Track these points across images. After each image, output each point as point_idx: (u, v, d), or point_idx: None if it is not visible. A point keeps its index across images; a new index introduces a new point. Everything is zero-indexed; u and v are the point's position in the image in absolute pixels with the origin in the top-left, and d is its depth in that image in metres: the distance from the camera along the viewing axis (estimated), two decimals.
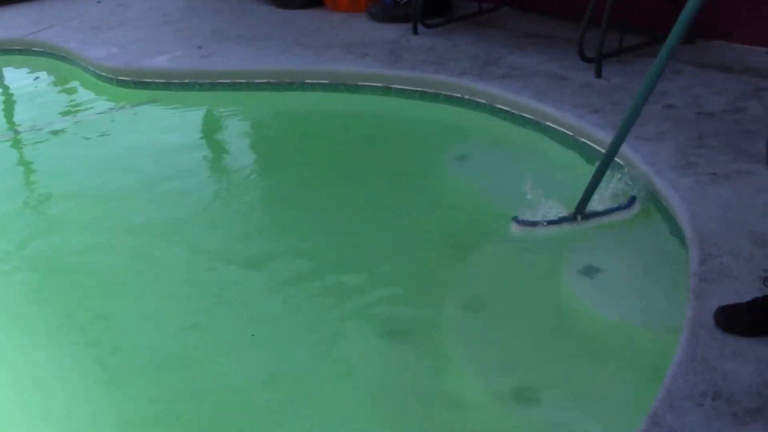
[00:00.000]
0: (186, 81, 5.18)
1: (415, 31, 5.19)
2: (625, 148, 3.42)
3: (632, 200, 3.23)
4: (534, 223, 3.24)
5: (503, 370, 2.64)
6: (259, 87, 4.98)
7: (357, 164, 4.09)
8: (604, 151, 3.53)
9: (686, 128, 3.57)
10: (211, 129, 4.98)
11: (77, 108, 5.37)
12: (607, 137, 3.54)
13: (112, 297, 3.21)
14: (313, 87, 4.84)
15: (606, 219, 3.21)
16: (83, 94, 5.55)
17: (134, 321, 3.06)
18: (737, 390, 2.16)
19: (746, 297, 2.46)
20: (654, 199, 3.23)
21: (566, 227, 3.21)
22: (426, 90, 4.49)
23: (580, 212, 3.22)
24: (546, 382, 2.56)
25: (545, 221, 3.23)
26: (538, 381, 2.57)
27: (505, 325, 2.85)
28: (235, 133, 4.85)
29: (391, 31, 5.34)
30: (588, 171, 3.56)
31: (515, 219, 3.26)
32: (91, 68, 5.63)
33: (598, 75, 4.20)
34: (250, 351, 2.87)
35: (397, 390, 2.62)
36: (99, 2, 7.16)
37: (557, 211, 3.28)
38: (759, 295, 2.39)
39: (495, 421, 2.47)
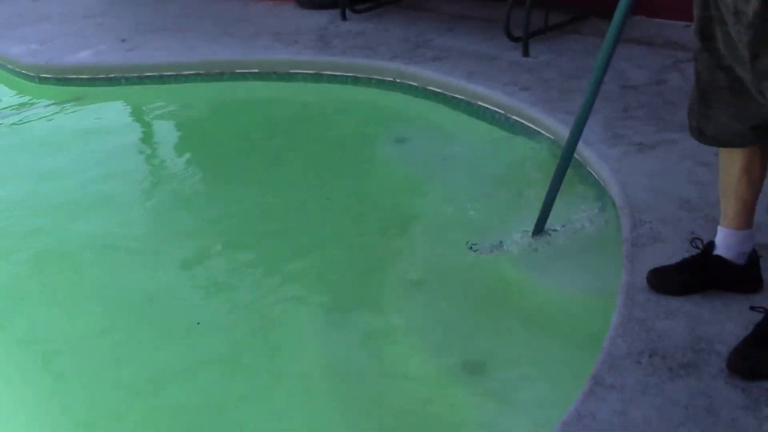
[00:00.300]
0: (112, 76, 5.12)
1: (344, 17, 5.26)
2: (554, 123, 3.58)
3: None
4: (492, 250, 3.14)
5: (448, 341, 2.72)
6: (188, 79, 4.96)
7: (292, 151, 4.12)
8: (535, 127, 3.69)
9: (612, 101, 3.72)
10: (139, 124, 4.93)
11: None
12: (537, 114, 3.70)
13: (44, 294, 3.21)
14: (244, 77, 4.85)
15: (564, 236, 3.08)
16: (2, 93, 5.44)
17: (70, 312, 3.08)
18: (671, 347, 2.29)
19: (676, 259, 2.61)
20: (584, 170, 3.37)
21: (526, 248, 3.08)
22: (358, 75, 4.55)
23: (539, 232, 3.06)
24: (492, 352, 2.66)
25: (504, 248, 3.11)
26: (485, 351, 2.66)
27: (447, 299, 2.93)
28: (166, 127, 4.82)
29: (319, 18, 5.39)
30: (517, 145, 3.70)
31: (471, 248, 3.12)
32: (9, 66, 5.52)
33: (526, 53, 4.34)
34: (197, 338, 2.90)
35: (346, 367, 2.69)
36: None
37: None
38: (687, 256, 2.55)
39: (444, 390, 2.55)
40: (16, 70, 5.45)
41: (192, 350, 2.84)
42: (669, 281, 2.50)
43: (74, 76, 5.21)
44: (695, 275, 2.47)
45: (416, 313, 2.90)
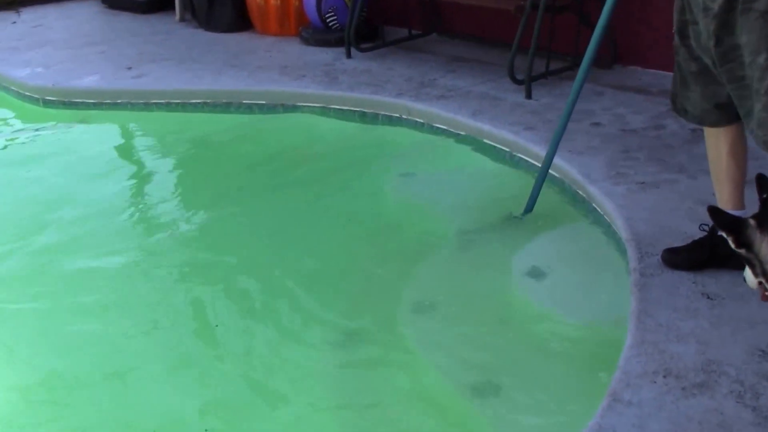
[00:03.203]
0: (118, 101, 5.21)
1: (349, 55, 5.43)
2: (561, 162, 3.76)
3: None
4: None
5: (463, 367, 2.80)
6: (194, 107, 5.07)
7: (300, 183, 4.19)
8: (539, 164, 3.87)
9: (613, 143, 3.92)
10: (146, 149, 4.96)
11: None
12: (542, 151, 3.85)
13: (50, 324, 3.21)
14: (250, 108, 4.97)
15: None
16: (5, 116, 5.44)
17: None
18: (683, 367, 2.44)
19: (683, 289, 2.80)
20: (590, 206, 3.54)
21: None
22: (365, 110, 4.70)
23: (528, 212, 3.59)
24: (508, 377, 2.74)
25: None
26: (501, 376, 2.75)
27: (462, 327, 3.01)
28: (173, 153, 4.83)
29: (324, 55, 5.56)
30: (524, 182, 3.87)
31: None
32: (13, 88, 5.57)
33: (528, 96, 4.54)
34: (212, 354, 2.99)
35: (358, 393, 2.76)
36: (14, 23, 7.11)
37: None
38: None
39: (461, 415, 2.63)
40: (21, 92, 5.50)
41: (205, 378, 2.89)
42: (681, 258, 2.90)
43: (80, 100, 5.28)
44: (703, 252, 2.88)
45: (426, 335, 2.99)
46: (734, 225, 1.77)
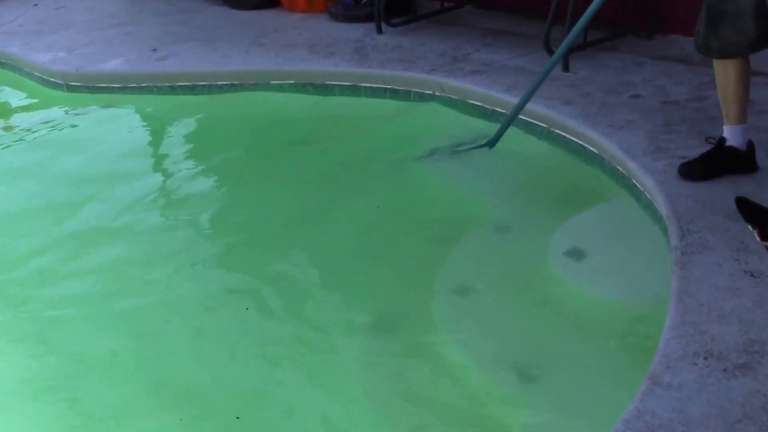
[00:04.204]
0: (143, 85, 5.32)
1: (379, 30, 5.47)
2: (598, 137, 3.79)
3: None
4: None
5: (501, 351, 2.89)
6: (221, 89, 5.16)
7: (330, 165, 4.28)
8: (578, 140, 3.91)
9: (654, 116, 3.93)
10: (172, 134, 5.08)
11: (24, 116, 5.46)
12: (580, 127, 3.90)
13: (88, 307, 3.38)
14: (279, 87, 5.04)
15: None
16: (29, 102, 5.63)
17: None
18: (725, 349, 2.47)
19: (725, 267, 2.82)
20: (629, 182, 3.57)
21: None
22: (396, 87, 4.75)
23: (491, 144, 4.07)
24: (546, 359, 2.83)
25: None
26: (538, 359, 2.83)
27: (500, 309, 3.10)
28: (199, 138, 4.97)
29: (354, 31, 5.60)
30: (563, 159, 3.91)
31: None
32: (37, 74, 5.72)
33: (565, 69, 4.55)
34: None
35: (393, 379, 2.85)
36: (36, 5, 7.26)
37: None
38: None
39: (499, 398, 2.72)
40: (44, 78, 5.64)
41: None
42: (696, 170, 3.31)
43: (104, 85, 5.41)
44: (716, 162, 3.30)
45: (462, 317, 3.08)
46: (759, 218, 1.82)
